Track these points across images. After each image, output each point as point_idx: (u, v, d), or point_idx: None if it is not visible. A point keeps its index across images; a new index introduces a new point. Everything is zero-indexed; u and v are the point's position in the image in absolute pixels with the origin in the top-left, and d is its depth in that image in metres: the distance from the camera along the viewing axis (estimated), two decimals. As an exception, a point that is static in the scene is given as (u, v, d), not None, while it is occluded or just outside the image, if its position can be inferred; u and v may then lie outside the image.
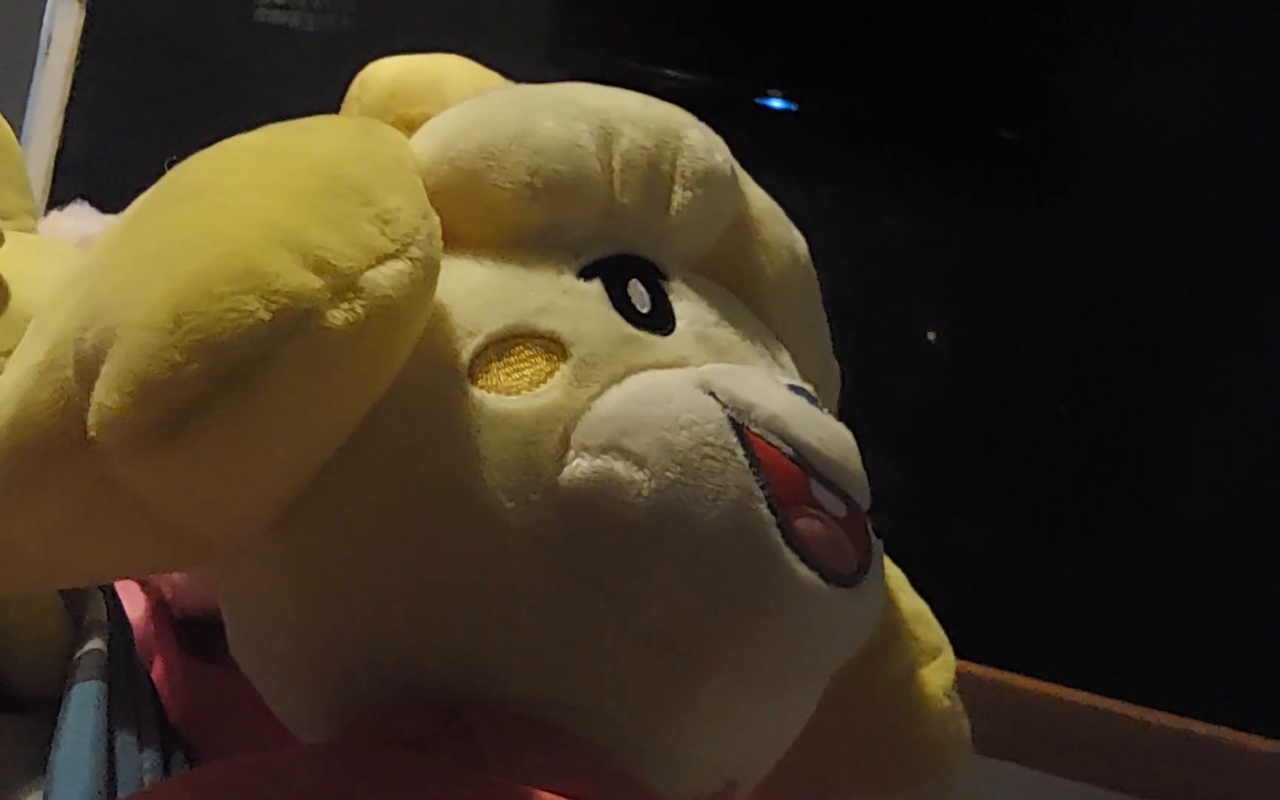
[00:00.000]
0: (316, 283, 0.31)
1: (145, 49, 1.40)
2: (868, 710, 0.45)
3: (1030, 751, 1.01)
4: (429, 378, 0.35)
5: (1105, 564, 1.17)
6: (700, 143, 0.42)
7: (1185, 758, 1.04)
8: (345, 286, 0.32)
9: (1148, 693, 1.07)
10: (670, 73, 1.14)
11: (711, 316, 0.40)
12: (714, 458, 0.34)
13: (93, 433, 0.30)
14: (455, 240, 0.38)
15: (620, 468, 0.34)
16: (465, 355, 0.36)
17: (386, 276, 0.32)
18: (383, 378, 0.34)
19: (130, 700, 0.46)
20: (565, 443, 0.35)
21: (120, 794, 0.42)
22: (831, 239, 1.21)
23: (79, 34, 1.42)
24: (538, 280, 0.38)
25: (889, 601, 0.45)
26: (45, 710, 0.45)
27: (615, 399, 0.35)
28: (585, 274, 0.38)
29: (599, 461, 0.34)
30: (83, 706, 0.44)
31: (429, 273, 0.34)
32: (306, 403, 0.32)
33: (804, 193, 1.20)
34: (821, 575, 0.35)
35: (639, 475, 0.34)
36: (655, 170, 0.40)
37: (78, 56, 1.43)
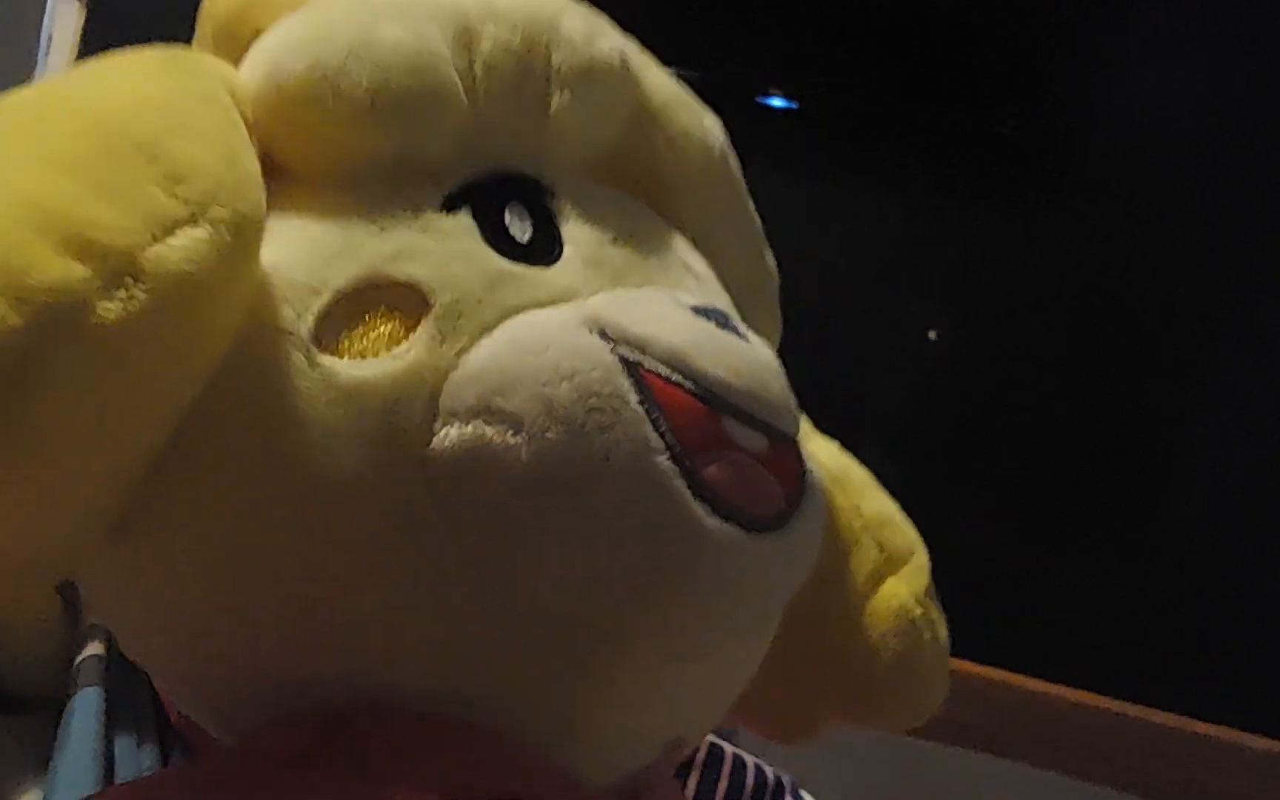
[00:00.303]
0: (82, 271, 0.26)
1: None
2: (831, 628, 0.40)
3: (1030, 749, 1.01)
4: (267, 352, 0.30)
5: (1105, 563, 1.16)
6: (579, 32, 0.36)
7: (1185, 756, 1.04)
8: (121, 269, 0.26)
9: (1148, 691, 1.07)
10: (669, 70, 1.14)
11: (606, 235, 0.35)
12: (601, 409, 0.30)
13: None
14: (294, 181, 0.33)
15: (493, 433, 0.30)
16: (308, 320, 0.31)
17: (177, 249, 0.27)
18: (197, 364, 0.29)
19: (129, 703, 0.46)
20: (433, 409, 0.30)
21: (120, 794, 0.43)
22: (831, 236, 1.21)
23: (79, 34, 1.42)
24: (391, 219, 0.32)
25: (852, 508, 0.41)
26: (44, 710, 0.45)
27: (485, 352, 0.31)
28: (450, 204, 0.33)
29: (469, 428, 0.30)
30: (84, 714, 0.43)
31: (239, 234, 0.29)
32: (94, 410, 0.27)
33: (804, 190, 1.20)
34: (740, 523, 0.31)
35: (515, 439, 0.29)
36: (526, 71, 0.35)
37: (78, 56, 1.43)
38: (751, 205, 0.42)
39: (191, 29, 0.40)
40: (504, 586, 0.31)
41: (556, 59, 0.35)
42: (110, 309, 0.26)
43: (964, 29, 1.20)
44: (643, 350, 0.31)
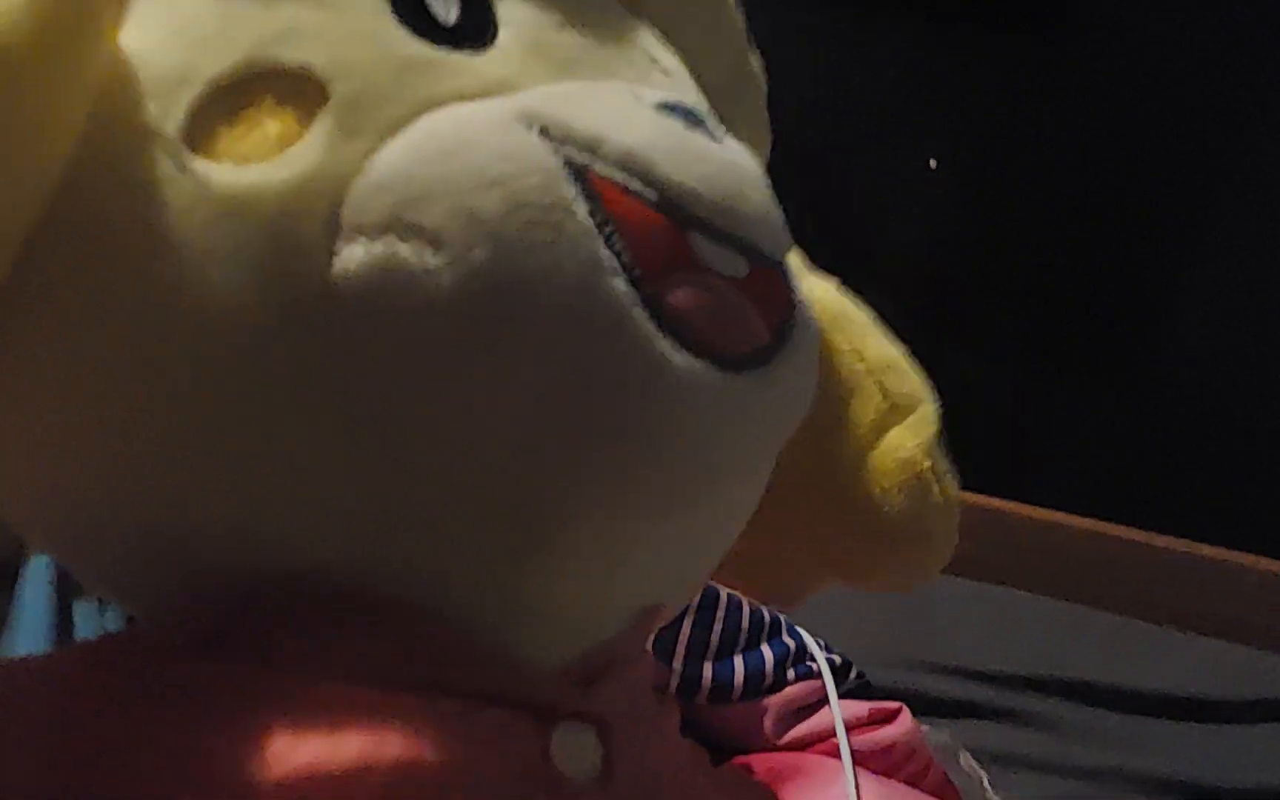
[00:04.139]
0: None
1: None
2: (828, 483, 0.36)
3: (1033, 577, 1.01)
4: (127, 155, 0.25)
5: (1107, 389, 1.16)
6: None
7: (1189, 579, 1.04)
8: None
9: (1150, 516, 1.07)
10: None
11: (552, 16, 0.29)
12: (540, 222, 0.24)
13: None
14: None
15: (408, 252, 0.24)
16: (177, 115, 0.25)
17: None
18: (25, 163, 0.24)
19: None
20: (333, 224, 0.25)
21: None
22: (827, 63, 1.17)
23: None
24: None
25: (852, 351, 0.37)
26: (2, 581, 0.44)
27: (397, 153, 0.25)
28: None
29: (378, 247, 0.24)
30: (35, 582, 0.42)
31: (60, 2, 0.24)
32: None
33: (800, 16, 1.15)
34: (714, 359, 0.26)
35: (434, 260, 0.24)
36: None
37: None
38: None
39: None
40: (425, 439, 0.26)
41: None
42: None
43: None
44: (593, 152, 0.25)
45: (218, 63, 0.26)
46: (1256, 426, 1.14)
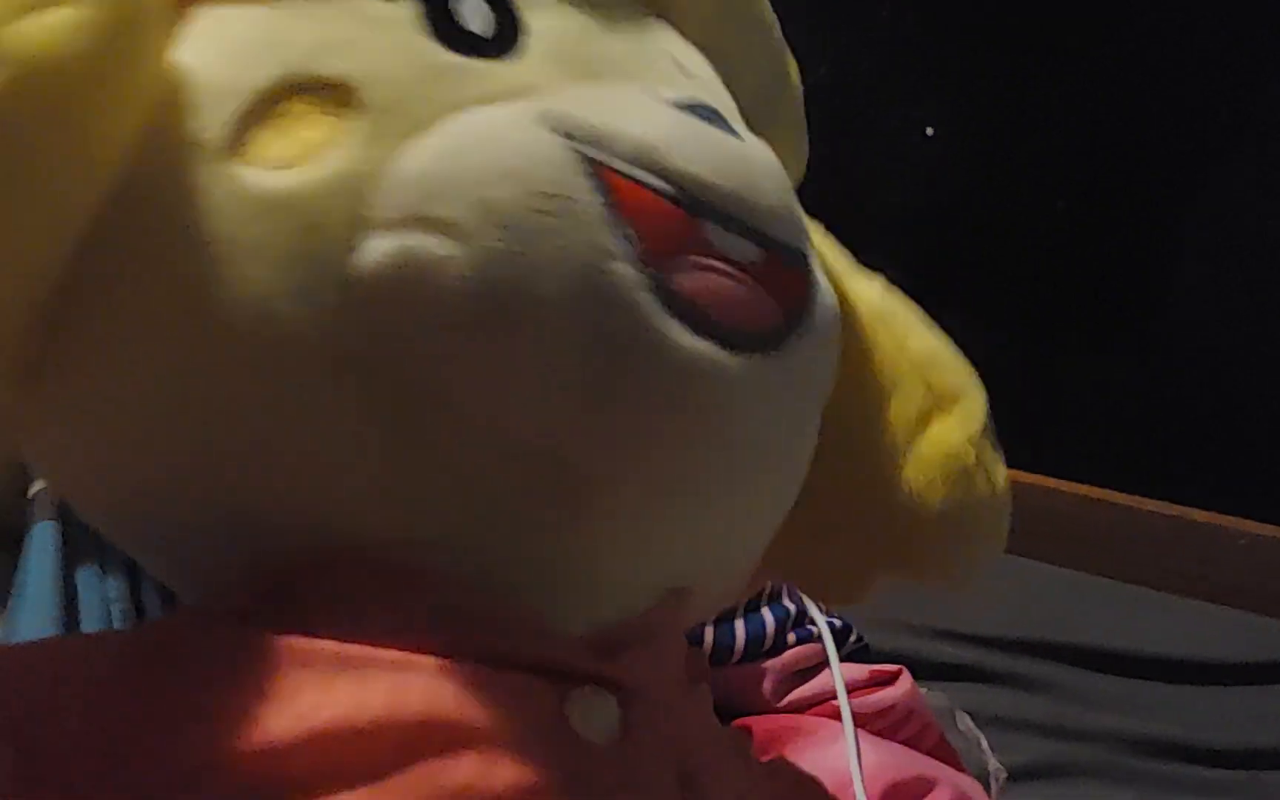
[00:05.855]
0: None
1: None
2: (873, 480, 0.36)
3: (1033, 544, 1.01)
4: (173, 162, 0.27)
5: (1103, 357, 1.16)
6: None
7: (1184, 544, 1.04)
8: None
9: (1146, 482, 1.07)
10: None
11: (577, 26, 0.31)
12: (550, 212, 0.26)
13: None
14: None
15: (428, 243, 0.26)
16: (221, 125, 0.27)
17: (39, 29, 0.24)
18: (82, 164, 0.26)
19: (89, 531, 0.44)
20: (360, 219, 0.27)
21: (85, 627, 0.41)
22: (825, 30, 1.16)
23: None
24: (324, 11, 0.29)
25: (896, 346, 0.37)
26: (4, 547, 0.44)
27: (421, 154, 0.27)
28: None
29: (400, 239, 0.26)
30: (41, 549, 0.42)
31: (118, 19, 0.26)
32: None
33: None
34: (723, 341, 0.27)
35: (453, 249, 0.26)
36: None
37: None
38: (765, 4, 0.37)
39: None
40: (449, 418, 0.27)
41: None
42: None
43: None
44: (606, 146, 0.27)
45: (260, 75, 0.28)
46: (1254, 392, 1.14)
